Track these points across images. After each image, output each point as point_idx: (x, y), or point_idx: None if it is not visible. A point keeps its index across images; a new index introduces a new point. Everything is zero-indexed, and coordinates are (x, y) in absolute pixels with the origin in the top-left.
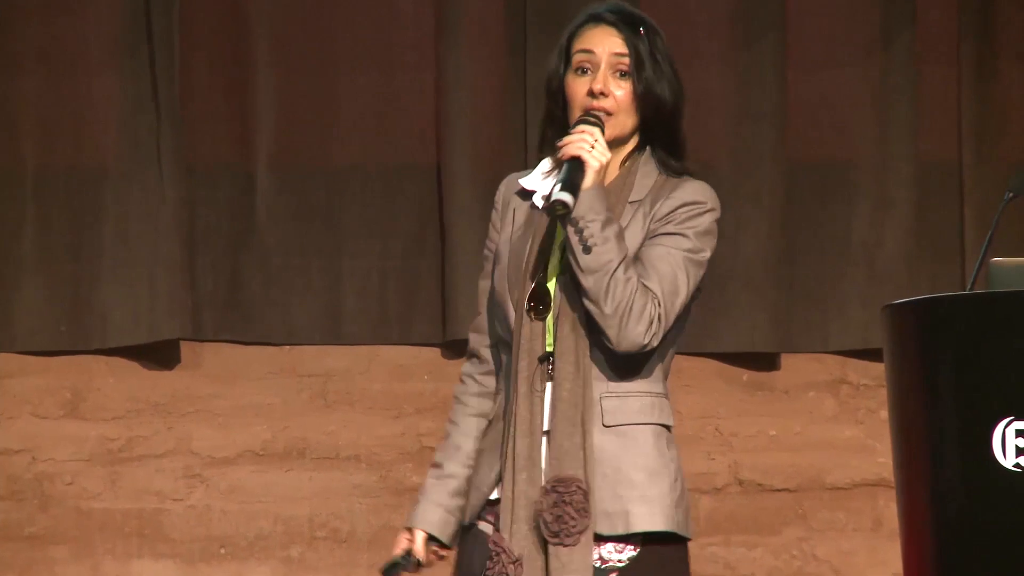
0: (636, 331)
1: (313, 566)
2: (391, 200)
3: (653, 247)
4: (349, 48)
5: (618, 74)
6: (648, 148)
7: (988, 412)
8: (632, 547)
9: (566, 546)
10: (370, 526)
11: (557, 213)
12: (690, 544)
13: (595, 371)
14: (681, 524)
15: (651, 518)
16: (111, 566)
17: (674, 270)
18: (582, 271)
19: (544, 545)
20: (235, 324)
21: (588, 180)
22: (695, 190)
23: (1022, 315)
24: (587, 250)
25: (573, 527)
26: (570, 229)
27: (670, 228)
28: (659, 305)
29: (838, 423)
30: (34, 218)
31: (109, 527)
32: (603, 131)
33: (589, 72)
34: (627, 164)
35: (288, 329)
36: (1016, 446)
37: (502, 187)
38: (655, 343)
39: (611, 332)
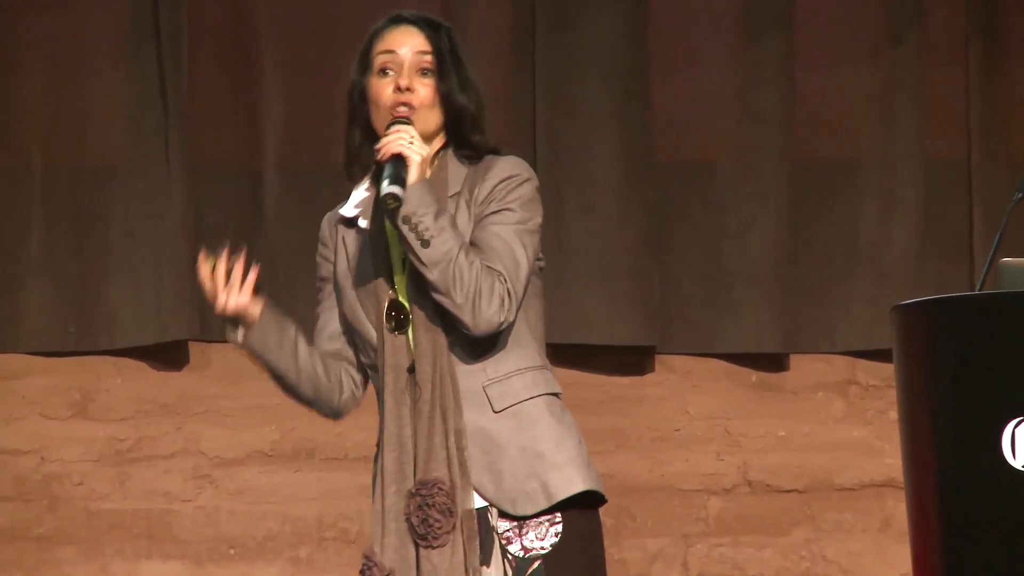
0: (489, 312)
1: (321, 567)
2: None
3: (484, 228)
4: (356, 47)
5: (421, 72)
6: (452, 145)
7: (997, 412)
8: (554, 532)
9: (434, 548)
10: None
11: (389, 206)
12: (699, 545)
13: (468, 364)
14: (596, 482)
15: (570, 482)
16: (120, 567)
17: (510, 245)
18: (425, 266)
19: (417, 550)
20: None
21: (412, 175)
22: (507, 165)
23: None
24: (425, 244)
25: (439, 528)
26: (404, 228)
27: (494, 206)
28: (505, 281)
29: (847, 424)
30: (41, 218)
31: (118, 528)
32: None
33: (392, 73)
34: (436, 161)
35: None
36: None
37: (324, 224)
38: (510, 318)
39: (466, 319)
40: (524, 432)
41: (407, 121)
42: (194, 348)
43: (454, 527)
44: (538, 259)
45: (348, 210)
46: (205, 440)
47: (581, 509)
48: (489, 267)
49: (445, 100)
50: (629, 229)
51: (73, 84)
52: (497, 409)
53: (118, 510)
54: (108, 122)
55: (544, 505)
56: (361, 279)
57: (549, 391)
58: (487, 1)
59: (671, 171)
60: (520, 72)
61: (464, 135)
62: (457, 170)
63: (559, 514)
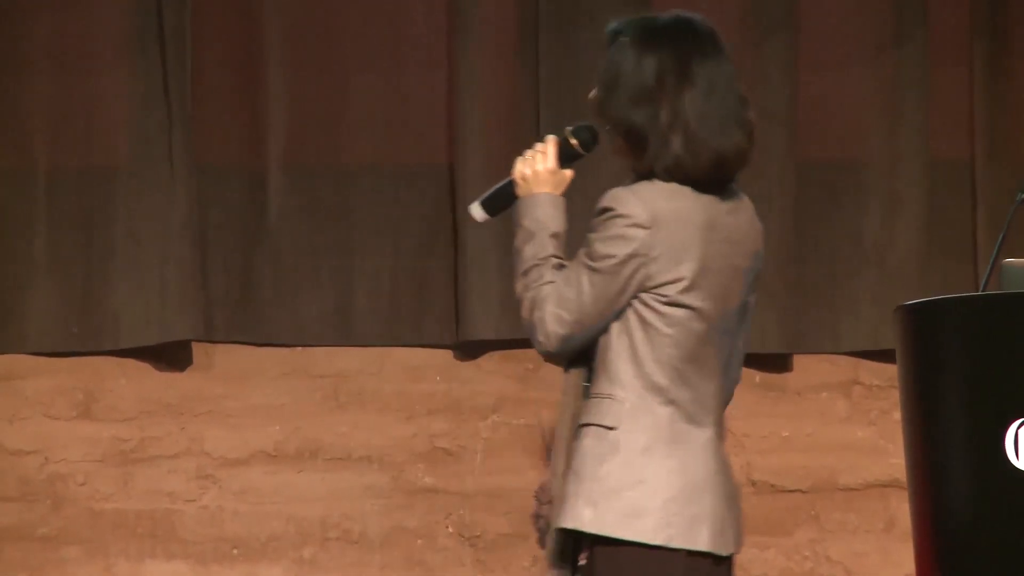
0: (536, 340)
1: (325, 567)
2: (403, 200)
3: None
4: (361, 47)
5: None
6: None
7: (1000, 413)
8: (587, 550)
9: (543, 547)
10: (382, 527)
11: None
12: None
13: (588, 376)
14: (596, 523)
15: (562, 515)
16: (124, 567)
17: (570, 278)
18: None
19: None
20: (246, 324)
21: (517, 192)
22: (605, 198)
23: None
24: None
25: (543, 526)
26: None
27: (589, 236)
28: (551, 313)
29: (851, 424)
30: (45, 218)
31: (122, 528)
32: (569, 145)
33: None
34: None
35: (299, 329)
36: None
37: None
38: (551, 348)
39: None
40: (573, 454)
41: (567, 131)
42: (198, 348)
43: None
44: (659, 295)
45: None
46: (209, 440)
47: (612, 549)
48: (544, 296)
49: (601, 116)
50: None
51: (77, 85)
52: (579, 424)
53: (122, 510)
54: (112, 122)
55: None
56: None
57: (603, 423)
58: (491, 2)
59: None
60: (524, 73)
61: (633, 150)
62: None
63: (592, 549)
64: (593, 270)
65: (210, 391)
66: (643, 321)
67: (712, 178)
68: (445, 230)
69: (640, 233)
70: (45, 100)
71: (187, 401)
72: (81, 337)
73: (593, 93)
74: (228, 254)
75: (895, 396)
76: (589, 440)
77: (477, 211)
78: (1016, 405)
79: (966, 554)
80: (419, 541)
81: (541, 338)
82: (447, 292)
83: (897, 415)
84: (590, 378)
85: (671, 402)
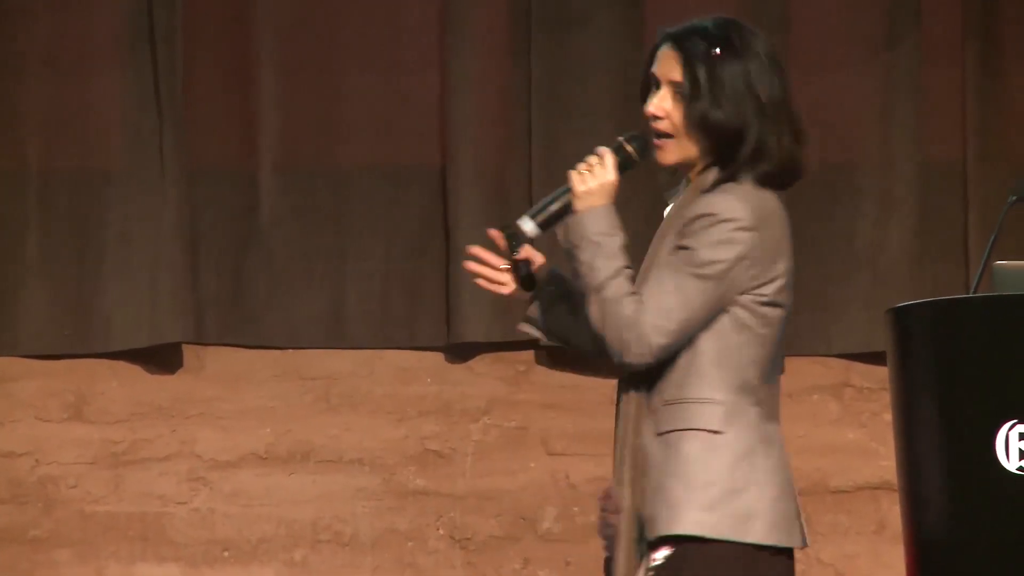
0: (625, 351)
1: (316, 569)
2: (395, 202)
3: (662, 261)
4: (353, 49)
5: (679, 96)
6: (715, 167)
7: (992, 415)
8: (663, 556)
9: (611, 557)
10: (373, 529)
11: (510, 233)
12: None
13: (654, 383)
14: (716, 527)
15: (671, 522)
16: (115, 569)
17: (668, 285)
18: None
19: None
20: (238, 327)
21: (576, 205)
22: (711, 202)
23: None
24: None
25: (612, 534)
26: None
27: (684, 242)
28: (646, 323)
29: (842, 426)
30: (37, 221)
31: (113, 530)
32: (628, 155)
33: (653, 92)
34: (697, 180)
35: (291, 331)
36: (1019, 449)
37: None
38: (648, 359)
39: (610, 351)
40: (666, 460)
41: (620, 141)
42: (189, 351)
43: (621, 540)
44: (758, 295)
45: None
46: (200, 443)
47: (705, 548)
48: (636, 307)
49: (697, 124)
50: (627, 231)
51: (69, 87)
52: (659, 431)
53: (113, 512)
54: (104, 125)
55: (651, 536)
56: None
57: (708, 428)
58: (484, 4)
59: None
60: (516, 76)
61: (723, 155)
62: (693, 196)
63: (675, 549)
64: (700, 277)
65: (201, 393)
66: (739, 323)
67: (790, 179)
68: (437, 232)
69: (746, 236)
70: (37, 102)
71: (178, 403)
72: (73, 339)
73: (664, 104)
74: (220, 256)
75: (886, 398)
76: (693, 445)
77: (529, 226)
78: (1007, 407)
79: (957, 556)
80: (410, 543)
81: (638, 351)
82: (438, 294)
83: (888, 417)
84: (659, 384)
85: (759, 402)
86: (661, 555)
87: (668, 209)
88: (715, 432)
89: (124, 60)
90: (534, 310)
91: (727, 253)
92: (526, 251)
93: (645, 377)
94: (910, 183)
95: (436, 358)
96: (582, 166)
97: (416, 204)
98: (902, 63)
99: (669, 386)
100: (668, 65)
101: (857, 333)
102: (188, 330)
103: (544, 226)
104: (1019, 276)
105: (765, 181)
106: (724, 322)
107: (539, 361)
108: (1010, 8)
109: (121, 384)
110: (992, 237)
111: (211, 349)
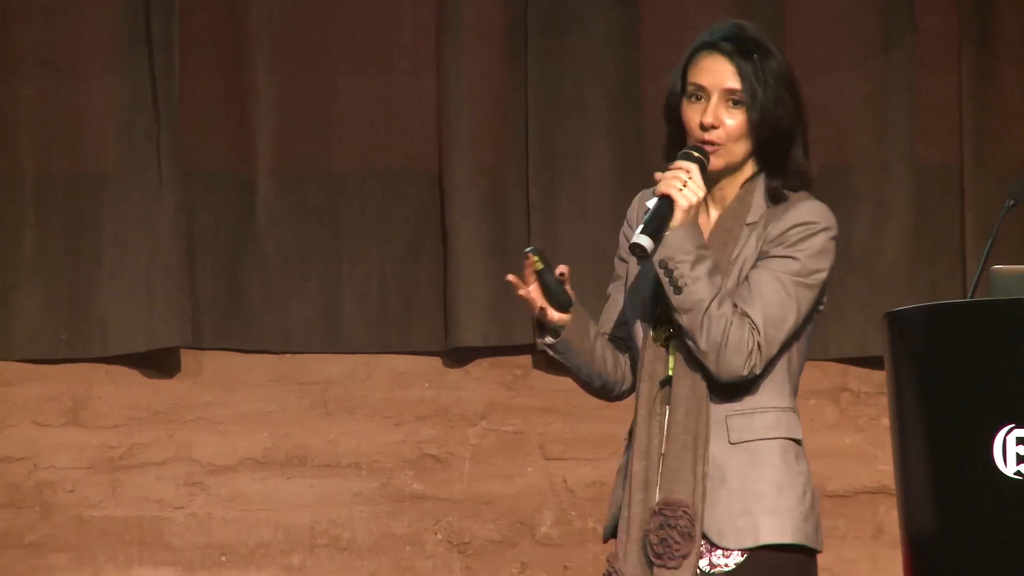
0: (734, 364)
1: (314, 573)
2: (391, 205)
3: (761, 271)
4: (349, 52)
5: (731, 103)
6: (764, 173)
7: (989, 420)
8: (739, 553)
9: (668, 568)
10: (371, 533)
11: (637, 255)
12: None
13: (718, 392)
14: (811, 536)
15: (780, 531)
16: (112, 574)
17: (780, 296)
18: (676, 310)
19: (651, 567)
20: (234, 331)
21: (676, 219)
22: (807, 211)
23: (1022, 323)
24: (678, 290)
25: (676, 551)
26: (661, 271)
27: (780, 251)
28: (758, 334)
29: (839, 431)
30: (33, 224)
31: (110, 535)
32: (705, 166)
33: (702, 100)
34: (745, 186)
35: (287, 336)
36: (1017, 454)
37: (634, 203)
38: (757, 371)
39: (710, 365)
40: (751, 469)
41: (695, 155)
42: (186, 355)
43: (690, 552)
44: (820, 305)
45: (651, 201)
46: (197, 447)
47: (783, 555)
48: (745, 315)
49: (755, 129)
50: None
51: (65, 90)
52: (732, 441)
53: (110, 517)
54: (100, 128)
55: (748, 544)
56: (642, 274)
57: (789, 436)
58: (479, 6)
59: None
60: (512, 78)
61: (775, 159)
62: (759, 201)
63: (760, 553)
64: (807, 287)
65: (198, 398)
66: (802, 332)
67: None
68: (433, 236)
69: (834, 245)
70: (33, 105)
71: (175, 408)
72: (69, 344)
73: (719, 113)
74: (216, 259)
75: (884, 403)
76: (784, 454)
77: (649, 243)
78: (1004, 412)
79: (954, 561)
80: (407, 548)
81: (754, 362)
82: (435, 298)
83: (886, 422)
84: (723, 394)
85: (796, 409)
86: (732, 561)
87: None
88: (797, 441)
89: (120, 63)
90: (572, 328)
91: (827, 262)
92: (562, 268)
93: (708, 390)
94: (906, 187)
95: (433, 362)
96: (674, 180)
97: (412, 207)
98: (897, 66)
99: (738, 395)
100: (719, 74)
101: (854, 337)
102: (185, 334)
103: (656, 239)
104: (1016, 280)
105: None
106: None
107: (536, 365)
108: (1005, 12)
109: (118, 388)
110: (989, 241)
111: (208, 353)
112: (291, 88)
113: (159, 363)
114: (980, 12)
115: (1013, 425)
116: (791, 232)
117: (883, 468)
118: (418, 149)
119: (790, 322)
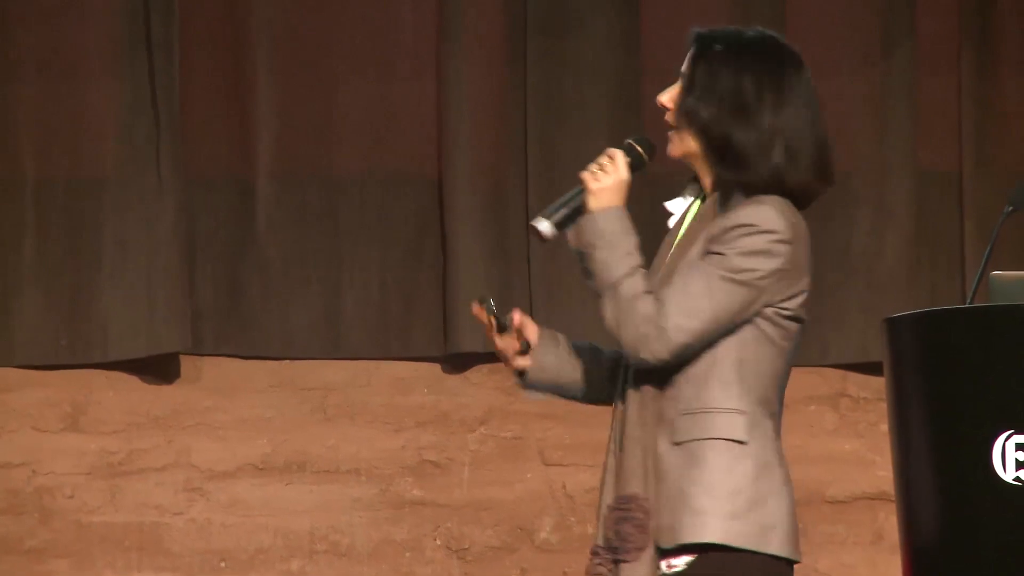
0: (638, 349)
1: None
2: (391, 209)
3: (690, 266)
4: (349, 56)
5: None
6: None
7: (988, 425)
8: (684, 562)
9: (627, 562)
10: (370, 539)
11: (536, 237)
12: None
13: (671, 391)
14: (742, 536)
15: (700, 529)
16: None
17: (697, 287)
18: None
19: (617, 564)
20: (234, 336)
21: (590, 204)
22: (749, 213)
23: (1022, 329)
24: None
25: (632, 543)
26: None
27: (715, 248)
28: (665, 319)
29: (838, 436)
30: (33, 229)
31: (109, 541)
32: (641, 156)
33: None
34: (715, 195)
35: (287, 341)
36: (1016, 459)
37: None
38: (667, 358)
39: (624, 350)
40: (686, 469)
41: (631, 143)
42: (186, 361)
43: (646, 544)
44: (783, 308)
45: (672, 205)
46: (196, 453)
47: (726, 556)
48: (656, 305)
49: (685, 119)
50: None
51: (65, 94)
52: (676, 440)
53: (109, 523)
54: (100, 132)
55: (670, 544)
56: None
57: (730, 437)
58: (479, 9)
59: (664, 179)
60: (512, 80)
61: (710, 158)
62: (715, 205)
63: (698, 556)
64: (732, 282)
65: (198, 403)
66: (762, 334)
67: (809, 193)
68: (433, 240)
69: (784, 249)
70: (33, 109)
71: (175, 414)
72: (69, 349)
73: (673, 96)
74: (216, 264)
75: (883, 408)
76: (717, 454)
77: (546, 227)
78: (1004, 418)
79: (954, 567)
80: (407, 554)
81: (656, 347)
82: (435, 304)
83: (885, 427)
84: (674, 393)
85: (772, 415)
86: (681, 561)
87: (675, 218)
88: (739, 442)
89: (120, 67)
90: (535, 372)
91: (765, 264)
92: (515, 316)
93: (657, 387)
94: (906, 191)
95: (433, 368)
96: (594, 166)
97: (412, 211)
98: (897, 71)
99: (687, 396)
100: (686, 59)
101: (853, 343)
102: (185, 340)
103: (560, 226)
104: (1016, 286)
105: (784, 192)
106: (747, 333)
107: None
108: (1006, 16)
109: (117, 394)
110: (988, 247)
111: (208, 359)
112: (291, 91)
113: (159, 369)
114: (981, 14)
115: (1012, 431)
116: (729, 233)
117: (883, 474)
118: (418, 154)
119: (706, 313)
